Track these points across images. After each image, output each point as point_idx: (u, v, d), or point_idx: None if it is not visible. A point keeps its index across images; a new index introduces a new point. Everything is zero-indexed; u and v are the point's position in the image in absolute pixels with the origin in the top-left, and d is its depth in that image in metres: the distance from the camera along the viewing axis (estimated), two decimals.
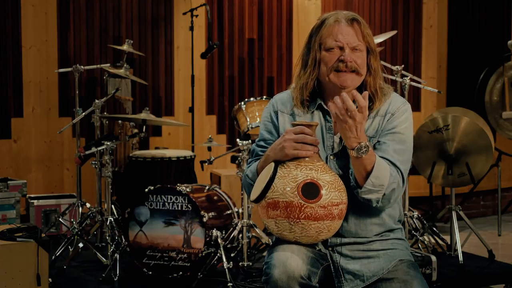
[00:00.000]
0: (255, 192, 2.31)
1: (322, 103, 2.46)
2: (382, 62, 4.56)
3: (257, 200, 2.30)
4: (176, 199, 4.01)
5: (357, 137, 2.26)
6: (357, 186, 2.33)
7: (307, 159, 2.30)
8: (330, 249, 2.44)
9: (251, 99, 4.52)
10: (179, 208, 4.01)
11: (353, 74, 2.38)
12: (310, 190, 2.24)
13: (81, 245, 4.28)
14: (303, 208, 2.23)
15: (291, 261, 2.27)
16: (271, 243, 2.58)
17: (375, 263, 2.41)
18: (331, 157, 2.42)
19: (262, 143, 2.53)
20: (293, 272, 2.25)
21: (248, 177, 2.49)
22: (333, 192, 2.26)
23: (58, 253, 4.31)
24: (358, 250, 2.43)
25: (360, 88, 2.43)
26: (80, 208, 4.69)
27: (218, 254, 3.94)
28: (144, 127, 4.83)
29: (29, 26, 5.31)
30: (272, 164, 2.30)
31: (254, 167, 2.46)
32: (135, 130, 5.04)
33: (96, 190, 4.59)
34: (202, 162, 4.64)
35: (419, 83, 4.57)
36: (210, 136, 4.68)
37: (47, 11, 5.36)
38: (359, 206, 2.41)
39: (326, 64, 2.39)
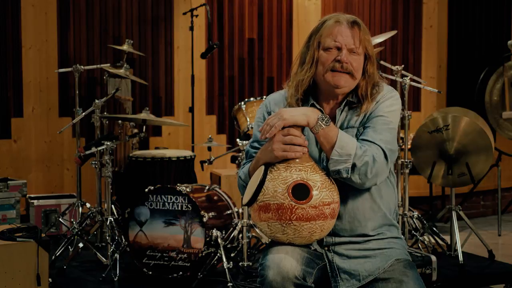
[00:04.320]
0: (247, 196, 2.32)
1: (315, 103, 2.47)
2: (382, 62, 4.60)
3: (249, 204, 2.31)
4: (176, 199, 4.01)
5: (307, 113, 2.31)
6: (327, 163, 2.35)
7: (297, 160, 2.30)
8: (326, 248, 2.44)
9: (251, 99, 4.52)
10: (179, 208, 4.01)
11: (348, 75, 2.40)
12: (301, 191, 2.24)
13: (81, 245, 4.28)
14: (294, 209, 2.23)
15: (285, 262, 2.27)
16: None
17: (371, 263, 2.41)
18: (324, 155, 2.42)
19: (255, 144, 2.54)
20: (287, 273, 2.26)
21: (241, 179, 2.51)
22: (324, 192, 2.26)
23: (58, 253, 4.31)
24: (354, 249, 2.43)
25: (353, 91, 2.45)
26: (80, 208, 4.68)
27: (218, 254, 3.94)
28: (144, 127, 4.83)
29: (29, 26, 5.31)
30: (262, 167, 2.31)
31: (247, 169, 2.47)
32: (135, 130, 5.05)
33: (96, 190, 4.59)
34: (202, 162, 4.64)
35: (419, 83, 4.57)
36: (210, 136, 4.68)
37: (47, 11, 5.36)
38: (353, 203, 2.42)
39: (323, 63, 2.41)
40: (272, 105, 2.54)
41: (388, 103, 2.43)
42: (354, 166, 2.31)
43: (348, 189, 2.39)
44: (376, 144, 2.35)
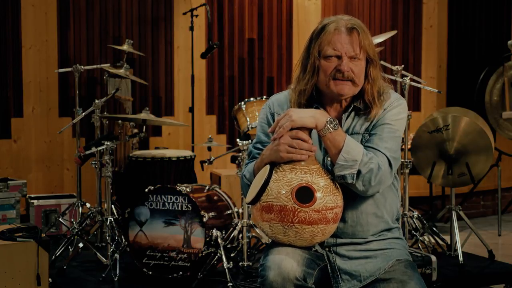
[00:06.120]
0: (251, 194, 2.31)
1: (319, 106, 2.47)
2: (382, 62, 4.59)
3: (252, 203, 2.30)
4: (176, 199, 4.01)
5: (316, 115, 2.31)
6: (333, 168, 2.35)
7: (302, 162, 2.29)
8: (327, 249, 2.44)
9: (251, 99, 4.52)
10: (179, 208, 4.01)
11: (350, 82, 2.40)
12: (304, 194, 2.24)
13: (81, 245, 4.28)
14: (297, 212, 2.22)
15: (285, 263, 2.27)
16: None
17: (372, 263, 2.41)
18: (328, 158, 2.42)
19: (258, 145, 2.53)
20: (287, 273, 2.26)
21: (245, 177, 2.50)
22: (327, 196, 2.26)
23: (58, 253, 4.32)
24: (355, 250, 2.43)
25: (358, 96, 2.45)
26: (80, 208, 4.68)
27: (218, 254, 3.94)
28: (144, 127, 4.83)
29: (29, 26, 5.31)
30: (268, 167, 2.30)
31: (251, 167, 2.47)
32: (135, 130, 5.05)
33: (96, 190, 4.59)
34: (202, 162, 4.64)
35: (419, 83, 4.57)
36: (210, 136, 4.68)
37: (47, 11, 5.36)
38: (357, 208, 2.42)
39: (325, 72, 2.40)
40: (276, 106, 2.54)
41: (395, 111, 2.43)
42: (359, 172, 2.31)
43: (353, 193, 2.38)
44: (381, 152, 2.36)
